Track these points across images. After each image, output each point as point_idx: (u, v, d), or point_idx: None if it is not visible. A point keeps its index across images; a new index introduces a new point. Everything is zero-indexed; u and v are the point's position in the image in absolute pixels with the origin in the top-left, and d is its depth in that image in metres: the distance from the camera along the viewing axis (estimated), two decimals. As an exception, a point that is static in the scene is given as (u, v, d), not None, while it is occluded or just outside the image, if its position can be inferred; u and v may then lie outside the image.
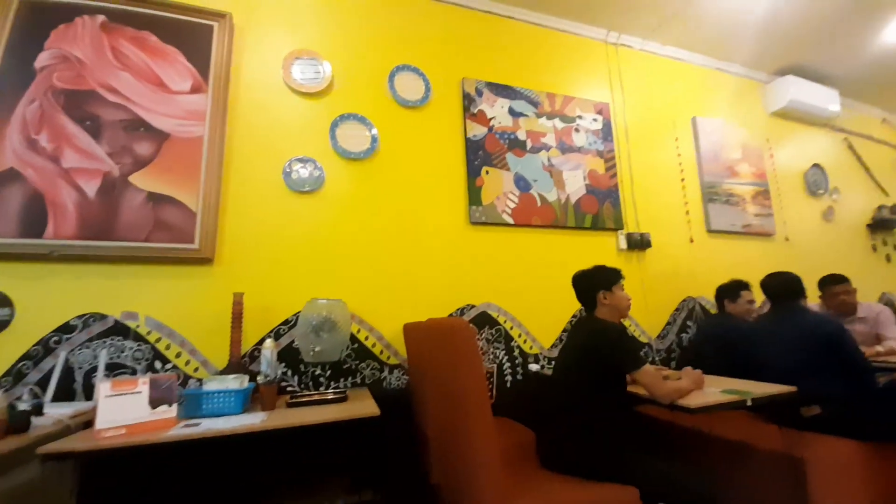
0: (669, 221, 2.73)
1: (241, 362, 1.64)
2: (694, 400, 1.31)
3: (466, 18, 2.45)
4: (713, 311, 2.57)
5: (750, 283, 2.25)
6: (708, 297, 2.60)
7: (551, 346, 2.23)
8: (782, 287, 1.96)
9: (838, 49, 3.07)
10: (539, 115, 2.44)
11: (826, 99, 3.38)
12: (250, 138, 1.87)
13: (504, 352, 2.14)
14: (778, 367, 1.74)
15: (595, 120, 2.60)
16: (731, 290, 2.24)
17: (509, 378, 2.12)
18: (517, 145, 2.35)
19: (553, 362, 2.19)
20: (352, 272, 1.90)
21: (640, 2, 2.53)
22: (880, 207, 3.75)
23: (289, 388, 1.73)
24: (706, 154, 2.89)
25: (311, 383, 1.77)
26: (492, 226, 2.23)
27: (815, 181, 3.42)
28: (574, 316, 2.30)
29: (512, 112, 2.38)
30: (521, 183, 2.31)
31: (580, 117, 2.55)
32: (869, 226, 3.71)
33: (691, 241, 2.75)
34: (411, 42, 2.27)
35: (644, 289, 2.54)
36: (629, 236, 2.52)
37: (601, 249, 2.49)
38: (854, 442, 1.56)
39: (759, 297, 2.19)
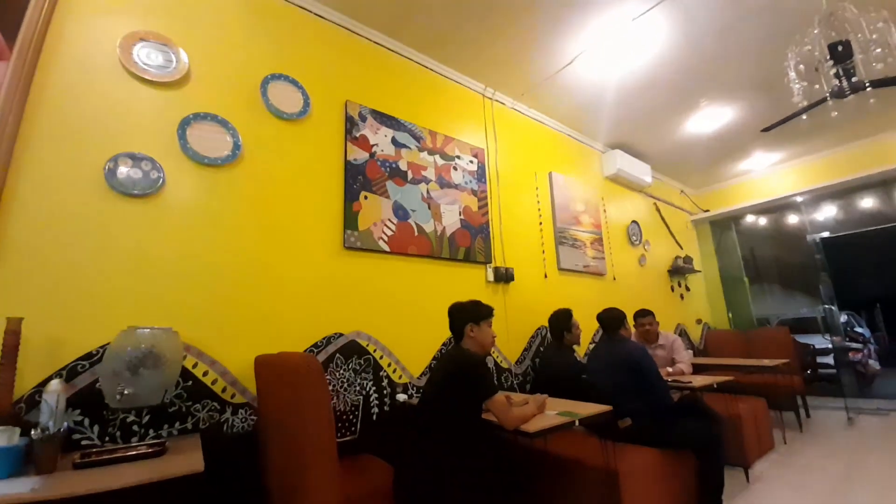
0: (529, 259, 3.08)
1: (15, 411, 1.22)
2: (534, 425, 1.44)
3: (356, 44, 2.46)
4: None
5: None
6: (557, 326, 2.97)
7: (420, 375, 2.24)
8: (607, 320, 2.37)
9: (653, 133, 4.00)
10: (421, 150, 2.55)
11: (642, 171, 4.34)
12: (64, 123, 1.49)
13: (372, 382, 2.06)
14: (603, 388, 2.07)
15: (471, 162, 2.84)
16: (565, 321, 2.48)
17: (376, 410, 2.04)
18: (398, 174, 2.39)
19: (421, 391, 2.19)
20: (191, 296, 1.62)
21: (512, 69, 2.91)
22: (676, 258, 4.91)
23: (84, 443, 1.34)
24: (559, 204, 3.40)
25: (119, 434, 1.40)
26: (367, 252, 2.19)
27: (634, 234, 4.31)
28: (444, 344, 2.37)
29: (395, 142, 2.43)
30: (400, 212, 2.34)
31: (458, 157, 2.75)
32: (669, 271, 4.80)
33: (545, 276, 3.15)
34: (292, 53, 2.16)
35: (507, 318, 2.77)
36: (496, 270, 2.75)
37: (471, 281, 2.65)
38: (656, 451, 1.92)
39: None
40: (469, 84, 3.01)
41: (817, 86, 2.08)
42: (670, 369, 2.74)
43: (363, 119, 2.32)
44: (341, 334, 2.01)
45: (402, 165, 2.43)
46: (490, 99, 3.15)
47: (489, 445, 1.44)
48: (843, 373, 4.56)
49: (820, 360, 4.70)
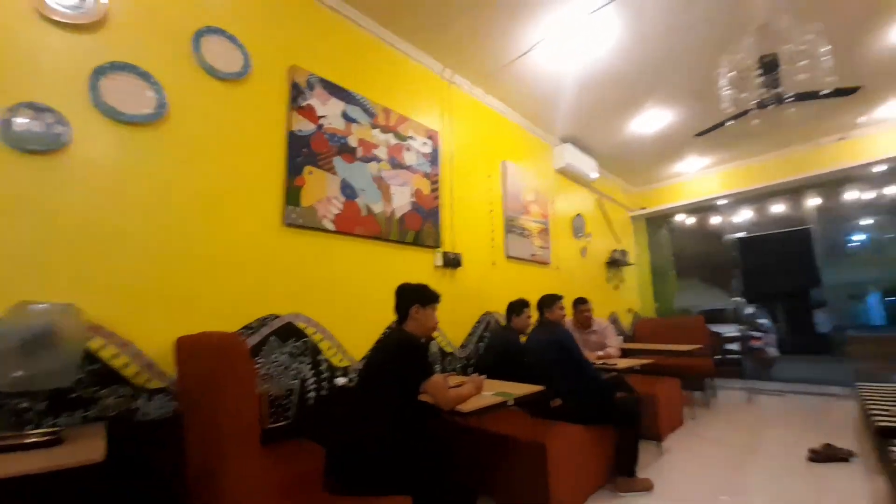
0: (478, 245, 3.12)
1: None
2: (470, 405, 1.47)
3: (307, 5, 2.28)
4: (504, 323, 3.04)
5: (530, 301, 2.75)
6: (502, 311, 3.06)
7: (362, 359, 2.20)
8: (540, 302, 2.56)
9: (602, 131, 4.17)
10: (374, 126, 2.45)
11: (589, 167, 4.53)
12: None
13: (310, 366, 1.99)
14: (538, 369, 2.17)
15: (425, 143, 2.78)
16: (517, 307, 2.69)
17: (313, 394, 1.98)
18: (347, 150, 2.29)
19: (359, 373, 2.16)
20: (100, 269, 1.44)
21: (471, 52, 2.87)
22: (614, 251, 5.23)
23: (-42, 434, 1.16)
24: (510, 193, 3.46)
25: (13, 420, 1.24)
26: (309, 230, 2.08)
27: (578, 227, 4.52)
28: (390, 328, 2.34)
29: (346, 116, 2.31)
30: (348, 190, 2.24)
31: (412, 138, 2.68)
32: (607, 263, 5.11)
33: (493, 264, 3.21)
34: (233, 7, 1.96)
35: (453, 303, 2.80)
36: (445, 255, 2.75)
37: (420, 265, 2.63)
38: (582, 427, 2.06)
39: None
40: (427, 63, 2.93)
41: (746, 94, 2.26)
42: (600, 353, 2.94)
43: (311, 88, 2.18)
44: (277, 316, 1.91)
45: (352, 141, 2.32)
46: (448, 81, 3.09)
47: (424, 425, 1.45)
48: (745, 358, 5.19)
49: (728, 346, 5.30)
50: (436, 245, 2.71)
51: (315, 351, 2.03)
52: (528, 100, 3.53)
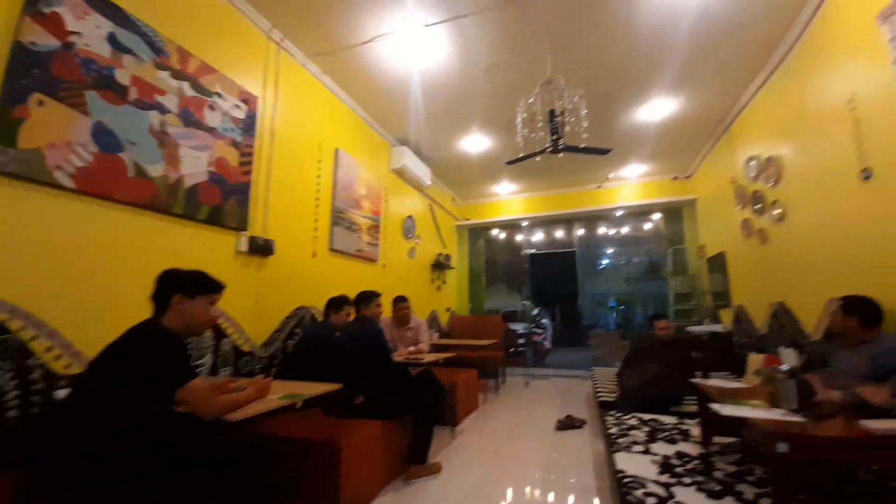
0: (298, 234, 2.85)
1: None
2: (249, 411, 1.27)
3: None
4: (320, 318, 2.85)
5: (350, 298, 2.66)
6: (320, 306, 2.86)
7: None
8: (357, 297, 2.51)
9: (437, 142, 4.44)
10: (161, 68, 1.93)
11: (424, 173, 4.77)
12: None
13: (12, 374, 1.39)
14: (349, 365, 2.10)
15: (238, 107, 2.37)
16: (337, 303, 2.54)
17: (15, 413, 1.39)
18: (112, 87, 1.72)
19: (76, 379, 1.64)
20: None
21: (308, 22, 2.61)
22: (439, 255, 5.65)
23: None
24: (341, 183, 3.31)
25: None
26: (30, 183, 1.47)
27: (408, 228, 4.70)
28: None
29: (114, 42, 1.74)
30: (106, 139, 1.69)
31: (220, 95, 2.24)
32: (432, 265, 5.47)
33: (314, 255, 2.99)
34: None
35: (258, 295, 2.46)
36: (252, 240, 2.40)
37: (215, 248, 2.21)
38: (380, 422, 2.07)
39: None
40: (251, 16, 2.52)
41: (534, 136, 2.74)
42: (412, 348, 3.09)
43: (57, -12, 1.56)
44: (-57, 301, 1.26)
45: (123, 77, 1.77)
46: (277, 44, 2.74)
47: (179, 439, 1.17)
48: (528, 350, 6.36)
49: (520, 340, 6.40)
50: (240, 227, 2.33)
51: (23, 354, 1.43)
52: (371, 94, 3.46)
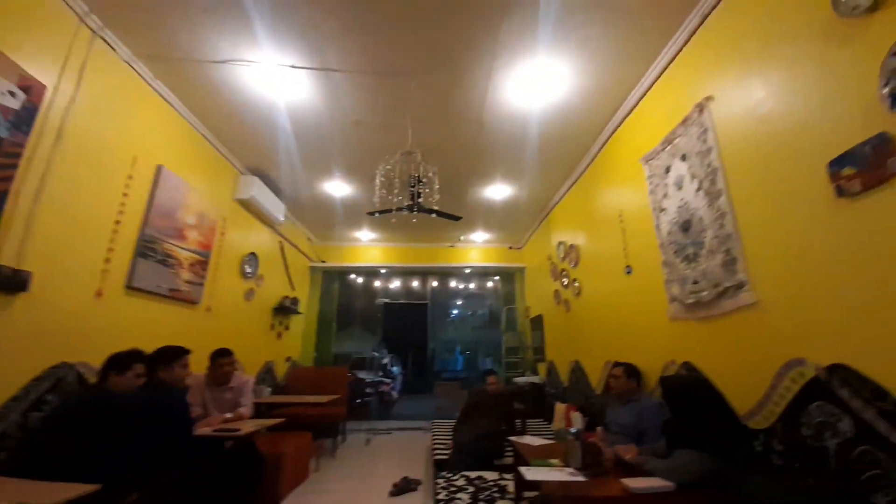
0: (76, 265, 2.18)
1: None
2: None
3: None
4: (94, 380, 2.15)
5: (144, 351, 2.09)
6: (95, 363, 2.17)
7: None
8: (153, 356, 2.00)
9: (296, 177, 4.15)
10: None
11: (277, 208, 4.38)
12: None
13: None
14: (118, 448, 1.59)
15: (13, 94, 1.78)
16: (122, 361, 1.95)
17: None
18: None
19: None
20: None
21: (141, 14, 2.21)
22: (285, 297, 5.11)
23: None
24: (160, 207, 2.73)
25: None
26: None
27: (250, 266, 4.16)
28: None
29: None
30: None
31: (-28, 72, 1.64)
32: (274, 309, 4.89)
33: (99, 294, 2.31)
34: None
35: (-14, 349, 1.73)
36: (-9, 270, 1.71)
37: None
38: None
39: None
40: (57, -11, 2.00)
41: (391, 197, 2.87)
42: (229, 415, 2.58)
43: None
44: None
45: None
46: (92, 31, 2.22)
47: None
48: (373, 401, 6.14)
49: (367, 390, 6.13)
50: (-28, 251, 1.65)
51: None
52: (221, 114, 3.07)
